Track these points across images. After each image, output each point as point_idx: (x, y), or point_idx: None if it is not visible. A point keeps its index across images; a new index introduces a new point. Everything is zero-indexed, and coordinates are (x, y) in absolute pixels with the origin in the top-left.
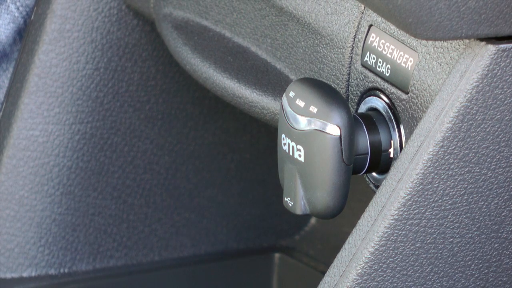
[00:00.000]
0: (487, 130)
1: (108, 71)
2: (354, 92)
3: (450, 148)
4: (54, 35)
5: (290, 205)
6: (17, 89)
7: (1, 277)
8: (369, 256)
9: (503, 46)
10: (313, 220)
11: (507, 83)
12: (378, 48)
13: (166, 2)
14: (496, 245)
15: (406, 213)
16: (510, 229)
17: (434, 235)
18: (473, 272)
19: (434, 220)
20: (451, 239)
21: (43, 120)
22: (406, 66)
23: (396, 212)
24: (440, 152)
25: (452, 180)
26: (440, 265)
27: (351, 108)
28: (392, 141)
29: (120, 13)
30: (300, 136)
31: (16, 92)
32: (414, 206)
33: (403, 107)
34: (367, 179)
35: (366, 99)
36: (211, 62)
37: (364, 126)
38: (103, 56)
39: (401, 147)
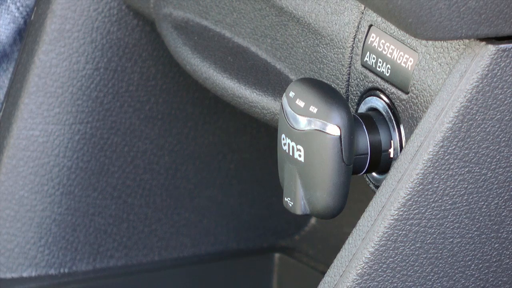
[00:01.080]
0: (487, 130)
1: (108, 71)
2: (354, 92)
3: (450, 148)
4: (54, 35)
5: (290, 205)
6: (17, 89)
7: (1, 277)
8: (369, 256)
9: (503, 46)
10: (313, 220)
11: (507, 83)
12: (378, 48)
13: (166, 2)
14: (496, 245)
15: (406, 213)
16: (510, 229)
17: (434, 235)
18: (473, 272)
19: (434, 220)
20: (451, 239)
21: (43, 120)
22: (406, 66)
23: (396, 212)
24: (440, 152)
25: (452, 180)
26: (440, 265)
27: (351, 108)
28: (392, 141)
29: (120, 13)
30: (300, 136)
31: (16, 92)
32: (414, 206)
33: (403, 107)
34: (367, 179)
35: (366, 99)
36: (211, 62)
37: (364, 126)
38: (103, 56)
39: (401, 147)
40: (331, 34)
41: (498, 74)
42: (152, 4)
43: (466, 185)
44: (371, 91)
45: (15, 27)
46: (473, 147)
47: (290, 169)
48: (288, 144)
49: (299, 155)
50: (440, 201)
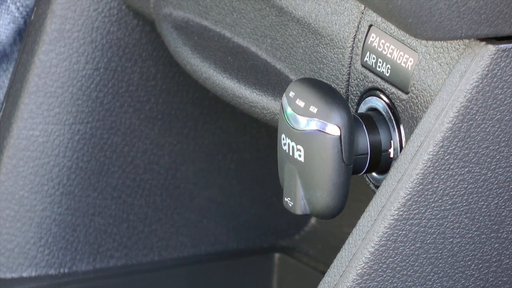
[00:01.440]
0: (487, 130)
1: (108, 71)
2: (354, 92)
3: (450, 148)
4: (54, 35)
5: (290, 205)
6: (17, 89)
7: (1, 277)
8: (369, 256)
9: (503, 46)
10: (313, 220)
11: (507, 83)
12: (378, 48)
13: (166, 2)
14: (496, 245)
15: (406, 213)
16: (510, 229)
17: (434, 235)
18: (473, 272)
19: (434, 220)
20: (451, 239)
21: (43, 120)
22: (406, 66)
23: (396, 212)
24: (440, 152)
25: (452, 180)
26: (440, 265)
27: (351, 108)
28: (392, 141)
29: (120, 13)
30: (300, 136)
31: (16, 92)
32: (414, 206)
33: (403, 107)
34: (367, 179)
35: (366, 99)
36: (211, 62)
37: (364, 126)
38: (103, 56)
39: (401, 147)
40: (331, 34)
41: (498, 74)
42: (152, 4)
43: (466, 185)
44: (371, 91)
45: (15, 27)
46: (473, 147)
47: (290, 169)
48: (288, 144)
49: (299, 155)
50: (440, 201)
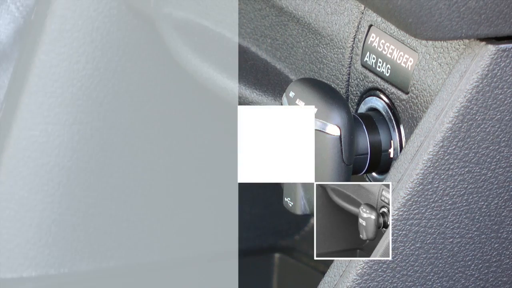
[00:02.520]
0: (487, 130)
1: (108, 71)
2: (354, 92)
3: (450, 148)
4: (54, 35)
5: (290, 205)
6: (17, 89)
7: (1, 277)
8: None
9: (503, 46)
10: (313, 220)
11: (507, 83)
12: (378, 48)
13: (166, 2)
14: (496, 245)
15: (406, 213)
16: (510, 229)
17: (434, 235)
18: (473, 272)
19: (434, 220)
20: (451, 239)
21: (43, 120)
22: (406, 66)
23: (396, 212)
24: (440, 152)
25: (452, 180)
26: (440, 265)
27: (351, 108)
28: (392, 141)
29: (120, 13)
30: None
31: (16, 92)
32: (414, 206)
33: (403, 107)
34: (367, 179)
35: (366, 99)
36: (211, 62)
37: (364, 126)
38: (103, 56)
39: (401, 147)
40: (331, 34)
41: (498, 74)
42: (152, 4)
43: (466, 185)
44: (371, 91)
45: (15, 27)
46: (473, 147)
47: None
48: None
49: None
50: (440, 201)
